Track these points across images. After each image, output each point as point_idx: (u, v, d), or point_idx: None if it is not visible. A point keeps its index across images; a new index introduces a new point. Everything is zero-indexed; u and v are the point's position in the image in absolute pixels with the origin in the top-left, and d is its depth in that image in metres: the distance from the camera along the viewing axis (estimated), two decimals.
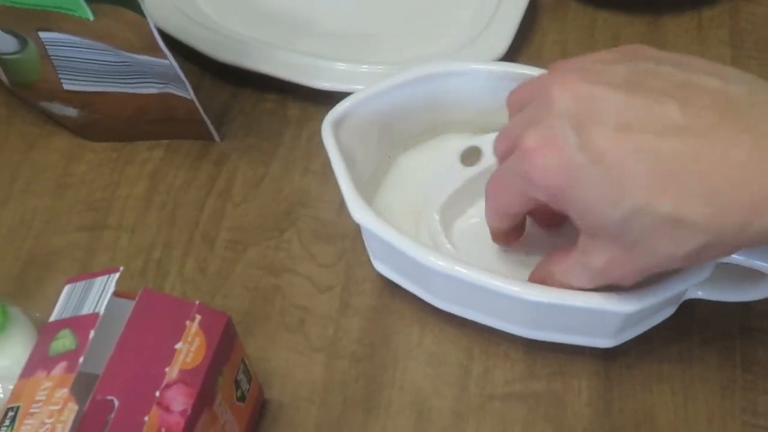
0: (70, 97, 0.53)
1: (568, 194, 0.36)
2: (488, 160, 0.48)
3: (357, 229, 0.52)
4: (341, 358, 0.48)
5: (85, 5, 0.46)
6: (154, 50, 0.48)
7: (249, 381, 0.43)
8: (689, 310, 0.47)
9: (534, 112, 0.38)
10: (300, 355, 0.48)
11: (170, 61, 0.49)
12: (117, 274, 0.39)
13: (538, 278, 0.43)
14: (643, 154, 0.34)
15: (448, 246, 0.48)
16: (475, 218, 0.50)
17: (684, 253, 0.35)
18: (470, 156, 0.50)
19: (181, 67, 0.50)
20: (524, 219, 0.46)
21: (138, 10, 0.46)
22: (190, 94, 0.52)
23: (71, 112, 0.55)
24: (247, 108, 0.58)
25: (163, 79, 0.51)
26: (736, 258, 0.42)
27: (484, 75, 0.50)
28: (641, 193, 0.34)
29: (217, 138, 0.56)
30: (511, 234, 0.46)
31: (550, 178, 0.36)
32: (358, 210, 0.45)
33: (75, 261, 0.52)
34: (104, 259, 0.52)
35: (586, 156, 0.35)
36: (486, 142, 0.49)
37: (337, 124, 0.48)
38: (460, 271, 0.43)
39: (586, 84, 0.36)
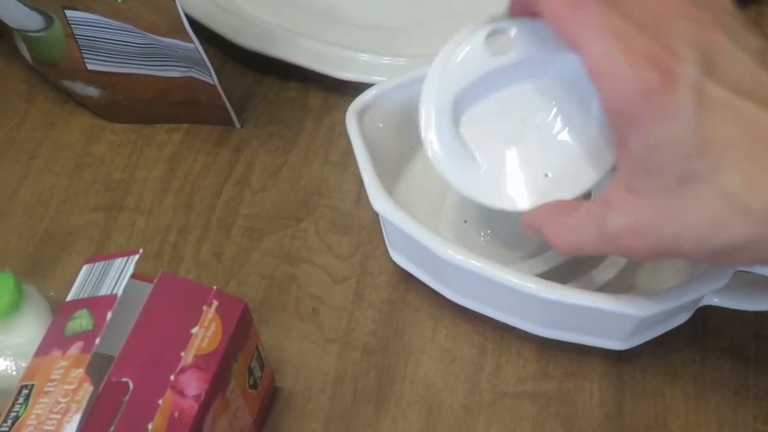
0: (93, 77, 0.54)
1: (651, 121, 0.33)
2: (520, 52, 0.40)
3: (374, 220, 0.52)
4: (354, 349, 0.48)
5: None
6: (180, 33, 0.48)
7: (262, 368, 0.43)
8: (704, 315, 0.47)
9: (651, 18, 0.34)
10: (313, 345, 0.48)
11: (195, 45, 0.49)
12: (136, 257, 0.39)
13: (532, 220, 0.40)
14: (741, 121, 0.32)
15: (460, 136, 0.42)
16: (488, 114, 0.42)
17: (718, 244, 0.33)
18: (495, 42, 0.42)
19: (205, 51, 0.50)
20: None
21: None
22: (213, 79, 0.52)
23: (93, 92, 0.55)
24: (270, 95, 0.58)
25: (187, 63, 0.51)
26: (756, 267, 0.41)
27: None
28: (717, 158, 0.32)
29: (237, 124, 0.56)
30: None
31: (647, 92, 0.33)
32: (378, 199, 0.45)
33: (91, 241, 0.52)
34: (120, 241, 0.52)
35: (696, 98, 0.32)
36: (518, 28, 0.40)
37: (362, 113, 0.48)
38: (477, 264, 0.43)
39: (721, 33, 0.34)
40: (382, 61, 0.56)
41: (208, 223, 0.53)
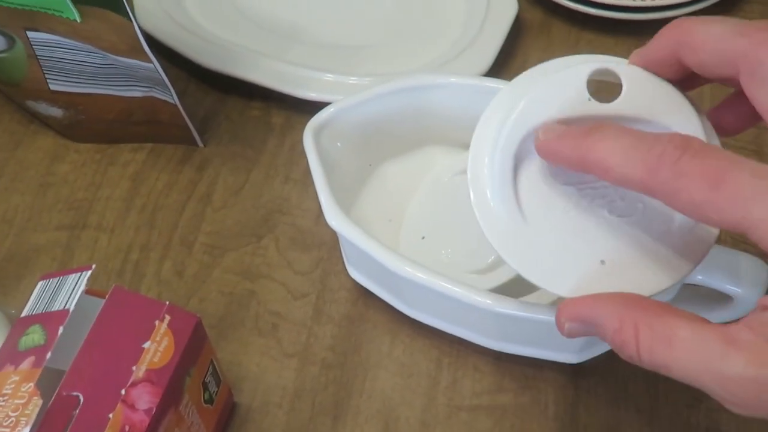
0: (56, 97, 0.54)
1: None
2: (625, 103, 0.35)
3: (334, 237, 0.52)
4: (312, 364, 0.48)
5: (72, 7, 0.47)
6: (140, 54, 0.49)
7: (218, 384, 0.43)
8: None
9: None
10: (272, 360, 0.48)
11: (155, 65, 0.49)
12: (89, 272, 0.39)
13: (581, 310, 0.34)
14: None
15: (512, 201, 0.36)
16: (555, 171, 0.36)
17: None
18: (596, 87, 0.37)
19: (168, 71, 0.51)
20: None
21: (124, 13, 0.46)
22: (174, 99, 0.52)
23: (56, 112, 0.55)
24: (233, 114, 0.59)
25: (148, 83, 0.52)
26: (702, 279, 0.42)
27: (465, 89, 0.50)
28: None
29: (200, 143, 0.57)
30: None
31: None
32: (334, 217, 0.45)
33: (54, 259, 0.53)
34: (83, 259, 0.52)
35: None
36: (630, 75, 0.35)
37: (319, 131, 0.49)
38: (431, 280, 0.43)
39: None
40: (344, 81, 0.57)
41: (170, 240, 0.53)
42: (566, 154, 0.33)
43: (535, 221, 0.36)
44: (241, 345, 0.49)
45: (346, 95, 0.54)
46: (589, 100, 0.35)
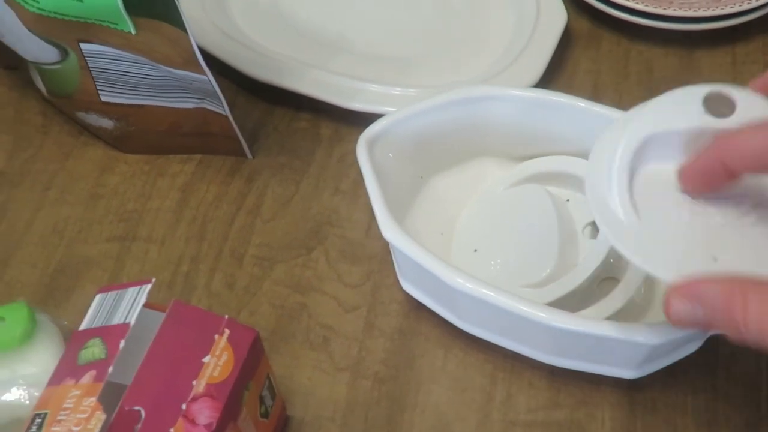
0: (107, 109, 0.54)
1: None
2: (739, 120, 0.37)
3: (385, 250, 0.52)
4: (364, 378, 0.48)
5: (127, 18, 0.47)
6: (194, 66, 0.49)
7: (273, 397, 0.43)
8: (716, 344, 0.46)
9: None
10: (323, 374, 0.48)
11: (208, 77, 0.49)
12: (149, 286, 0.39)
13: (690, 291, 0.34)
14: None
15: (627, 199, 0.38)
16: (670, 179, 0.38)
17: None
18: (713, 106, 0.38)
19: (217, 83, 0.51)
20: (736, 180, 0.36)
21: (180, 25, 0.46)
22: (225, 110, 0.52)
23: (107, 123, 0.55)
24: (281, 126, 0.59)
25: (200, 95, 0.52)
26: None
27: (520, 100, 0.50)
28: None
29: (249, 155, 0.57)
30: (714, 182, 0.37)
31: None
32: (388, 228, 0.45)
33: (105, 271, 0.53)
34: (133, 270, 0.52)
35: None
36: (742, 96, 0.37)
37: (372, 143, 0.49)
38: (487, 293, 0.43)
39: None
40: (392, 92, 0.57)
41: (220, 252, 0.53)
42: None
43: (650, 222, 0.37)
44: (292, 358, 0.49)
45: (394, 106, 0.54)
46: (705, 113, 0.37)
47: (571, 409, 0.46)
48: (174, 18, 0.46)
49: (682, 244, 0.36)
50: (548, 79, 0.59)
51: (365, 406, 0.47)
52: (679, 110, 0.37)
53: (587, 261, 0.47)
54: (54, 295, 0.52)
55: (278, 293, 0.51)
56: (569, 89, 0.59)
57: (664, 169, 0.38)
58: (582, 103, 0.49)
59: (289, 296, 0.51)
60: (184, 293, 0.51)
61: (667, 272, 0.36)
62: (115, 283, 0.51)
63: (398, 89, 0.57)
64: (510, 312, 0.43)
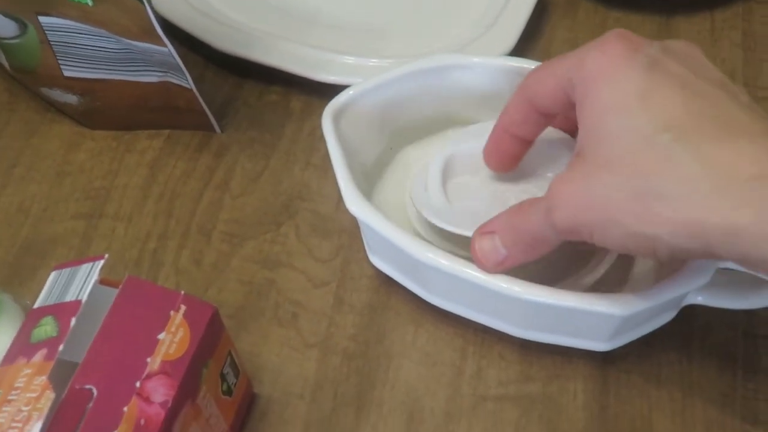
0: (71, 84, 0.53)
1: (607, 79, 0.35)
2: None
3: (355, 224, 0.51)
4: (334, 354, 0.47)
5: None
6: (153, 37, 0.48)
7: (236, 375, 0.42)
8: (690, 314, 0.46)
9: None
10: (292, 351, 0.47)
11: (169, 49, 0.48)
12: (102, 262, 0.38)
13: (486, 227, 0.41)
14: (690, 91, 0.34)
15: (440, 194, 0.46)
16: (479, 180, 0.47)
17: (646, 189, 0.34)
18: None
19: (185, 57, 0.50)
20: (528, 145, 0.44)
21: None
22: (190, 84, 0.51)
23: (72, 99, 0.54)
24: (251, 100, 0.58)
25: (163, 68, 0.51)
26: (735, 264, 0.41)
27: (488, 69, 0.49)
28: (656, 113, 0.34)
29: (218, 129, 0.56)
30: (510, 151, 0.44)
31: (610, 56, 0.36)
32: (354, 202, 0.44)
33: (71, 249, 0.52)
34: (100, 248, 0.52)
35: (650, 62, 0.35)
36: None
37: (338, 115, 0.48)
38: (454, 266, 0.42)
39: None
40: (364, 63, 0.56)
41: (188, 229, 0.52)
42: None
43: (457, 204, 0.46)
44: (260, 335, 0.48)
45: (366, 78, 0.53)
46: None
47: (543, 383, 0.46)
48: None
49: (482, 216, 0.42)
50: (524, 48, 0.58)
51: (335, 382, 0.46)
52: (477, 135, 0.46)
53: None
54: (19, 274, 0.51)
55: (247, 269, 0.50)
56: (545, 58, 0.58)
57: (470, 179, 0.47)
58: None
59: (257, 272, 0.50)
60: (152, 271, 0.50)
61: (470, 231, 0.42)
62: None
63: (370, 60, 0.56)
64: (480, 285, 0.42)
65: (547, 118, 0.42)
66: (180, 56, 0.50)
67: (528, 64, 0.48)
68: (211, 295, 0.49)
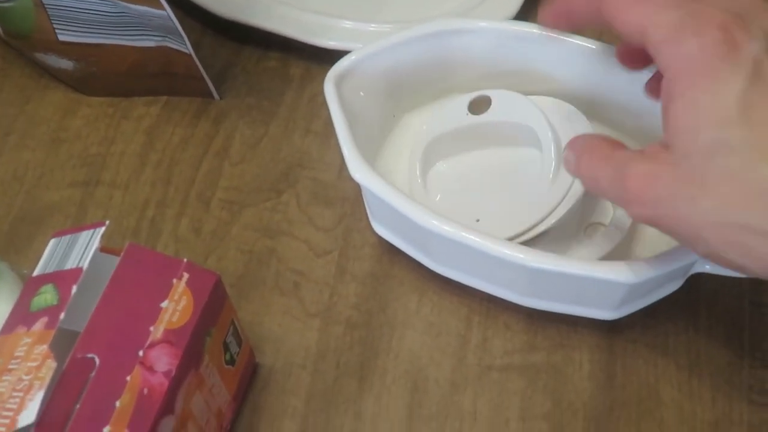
0: (66, 49, 0.52)
1: (703, 77, 0.33)
2: (495, 113, 0.47)
3: (357, 192, 0.50)
4: (336, 324, 0.46)
5: None
6: (151, 1, 0.47)
7: (239, 344, 0.42)
8: (697, 283, 0.45)
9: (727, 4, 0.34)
10: (294, 320, 0.47)
11: (167, 11, 0.47)
12: (103, 228, 0.38)
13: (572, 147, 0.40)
14: None
15: (419, 180, 0.48)
16: (458, 166, 0.49)
17: (725, 219, 0.32)
18: (478, 105, 0.48)
19: (183, 22, 0.49)
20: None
21: None
22: (189, 49, 0.50)
23: (67, 64, 0.53)
24: (249, 66, 0.57)
25: (161, 32, 0.50)
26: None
27: (493, 34, 0.48)
28: (756, 133, 0.32)
29: (216, 96, 0.55)
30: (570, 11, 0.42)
31: (708, 50, 0.33)
32: (357, 169, 0.43)
33: (67, 217, 0.51)
34: (97, 216, 0.51)
35: (753, 69, 0.32)
36: (498, 96, 0.48)
37: (340, 80, 0.47)
38: (459, 233, 0.41)
39: None
40: (364, 28, 0.55)
41: (186, 197, 0.51)
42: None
43: (434, 193, 0.48)
44: (262, 305, 0.47)
45: (366, 43, 0.52)
46: (467, 114, 0.48)
47: (548, 352, 0.45)
48: None
49: (455, 209, 0.46)
50: (528, 11, 0.57)
51: (337, 352, 0.46)
52: (450, 115, 0.48)
53: (561, 205, 0.45)
54: (15, 243, 0.50)
55: (247, 238, 0.50)
56: None
57: (453, 160, 0.49)
58: (556, 35, 0.47)
59: (258, 241, 0.49)
60: (150, 239, 0.50)
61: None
62: None
63: (371, 25, 0.55)
64: (486, 253, 0.41)
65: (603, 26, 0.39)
66: (176, 19, 0.49)
67: (530, 28, 0.47)
68: (211, 264, 0.49)
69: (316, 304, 0.47)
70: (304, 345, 0.46)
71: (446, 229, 0.41)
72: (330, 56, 0.53)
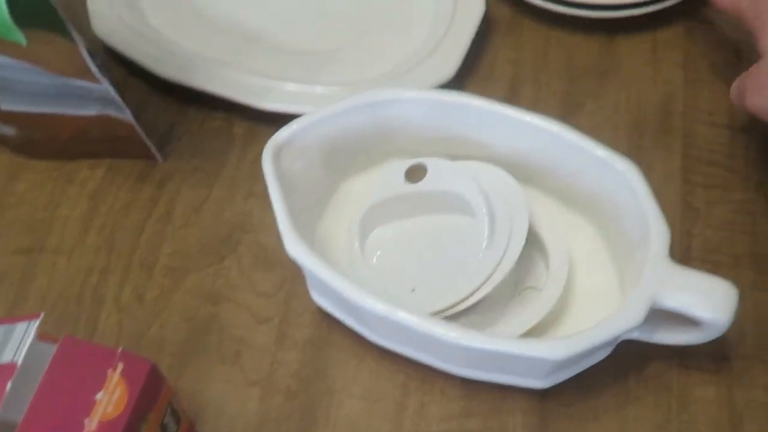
0: (9, 117, 0.52)
1: None
2: (430, 182, 0.49)
3: None
4: (276, 392, 0.47)
5: (17, 30, 0.45)
6: (89, 76, 0.47)
7: (178, 422, 0.43)
8: (626, 348, 0.46)
9: None
10: (235, 389, 0.47)
11: (106, 87, 0.48)
12: (37, 321, 0.38)
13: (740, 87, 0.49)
14: None
15: (357, 246, 0.49)
16: (395, 234, 0.50)
17: None
18: (415, 173, 0.50)
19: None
20: None
21: (68, 36, 0.45)
22: (130, 117, 0.51)
23: (10, 131, 0.54)
24: (194, 126, 0.57)
25: (102, 102, 0.50)
26: (672, 305, 0.42)
27: (424, 103, 0.49)
28: None
29: (159, 158, 0.55)
30: None
31: None
32: (294, 246, 0.44)
33: (11, 285, 0.51)
34: (41, 284, 0.51)
35: None
36: (433, 164, 0.49)
37: (278, 152, 0.47)
38: (395, 313, 0.42)
39: None
40: (306, 91, 0.55)
41: (130, 263, 0.52)
42: None
43: (372, 261, 0.49)
44: (203, 372, 0.48)
45: (308, 105, 0.53)
46: (404, 182, 0.49)
47: (484, 417, 0.46)
48: (62, 30, 0.44)
49: (391, 278, 0.48)
50: (468, 67, 0.58)
51: (277, 421, 0.47)
52: (387, 184, 0.49)
53: (495, 273, 0.46)
54: None
55: (190, 304, 0.50)
56: (489, 79, 0.59)
57: (391, 227, 0.50)
58: (487, 105, 0.48)
59: (200, 307, 0.50)
60: (93, 307, 0.50)
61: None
62: (22, 298, 0.51)
63: (312, 87, 0.55)
64: (419, 331, 0.42)
65: None
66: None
67: (460, 98, 0.48)
68: (154, 333, 0.49)
69: (256, 372, 0.48)
70: (245, 414, 0.47)
71: (379, 307, 0.42)
72: (274, 116, 0.54)
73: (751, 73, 0.48)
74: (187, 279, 0.51)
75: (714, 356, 0.48)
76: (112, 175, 0.55)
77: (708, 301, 0.42)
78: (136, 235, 0.53)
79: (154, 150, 0.54)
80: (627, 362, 0.47)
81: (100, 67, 0.48)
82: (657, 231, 0.44)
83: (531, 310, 0.46)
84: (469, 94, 0.49)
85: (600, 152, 0.46)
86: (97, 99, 0.50)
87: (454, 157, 0.50)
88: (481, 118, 0.48)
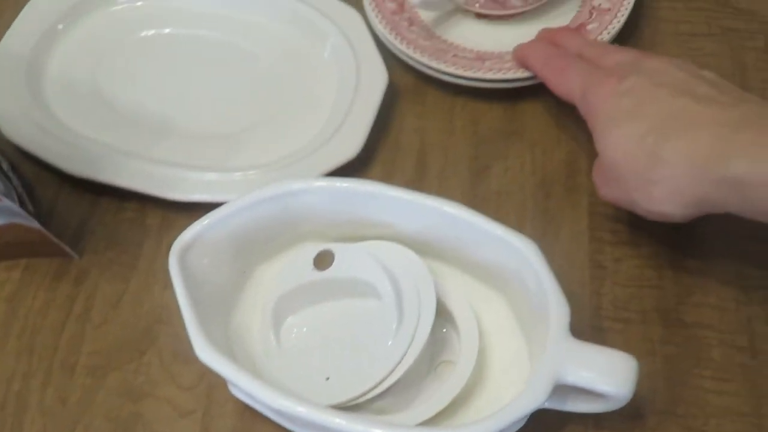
0: None
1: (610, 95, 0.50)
2: (337, 269, 0.50)
3: None
4: None
5: None
6: None
7: None
8: (541, 414, 0.47)
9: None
10: None
11: (9, 206, 0.48)
12: None
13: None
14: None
15: (272, 337, 0.50)
16: (307, 321, 0.51)
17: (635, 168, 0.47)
18: (322, 260, 0.51)
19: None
20: None
21: None
22: (37, 226, 0.51)
23: None
24: (107, 218, 0.58)
25: (8, 213, 0.51)
26: (574, 381, 0.43)
27: (328, 191, 0.50)
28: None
29: (74, 255, 0.56)
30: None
31: (609, 86, 0.50)
32: (203, 351, 0.45)
33: None
34: None
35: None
36: (340, 250, 0.50)
37: (185, 252, 0.48)
38: (313, 414, 0.43)
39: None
40: (215, 179, 0.56)
41: (50, 365, 0.52)
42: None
43: (286, 349, 0.50)
44: None
45: (218, 193, 0.54)
46: (312, 270, 0.50)
47: None
48: None
49: (305, 367, 0.49)
50: (376, 139, 0.59)
51: None
52: (296, 272, 0.50)
53: (407, 354, 0.47)
54: None
55: (112, 404, 0.51)
56: (397, 149, 0.60)
57: (304, 313, 0.51)
58: (389, 191, 0.49)
59: (123, 406, 0.51)
60: (17, 414, 0.50)
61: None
62: None
63: (221, 175, 0.56)
64: (325, 425, 0.43)
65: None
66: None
67: (365, 186, 0.50)
68: None
69: None
70: None
71: (297, 409, 0.43)
72: (187, 203, 0.55)
73: (595, 168, 0.52)
74: (109, 377, 0.52)
75: (628, 416, 0.49)
76: (30, 275, 0.56)
77: (609, 377, 0.43)
78: (56, 336, 0.53)
79: (68, 249, 0.55)
80: (543, 427, 0.48)
81: (7, 172, 0.49)
82: (557, 309, 0.45)
83: (446, 386, 0.48)
84: (371, 181, 0.50)
85: (499, 231, 0.48)
86: (3, 211, 0.50)
87: (362, 238, 0.52)
88: (385, 203, 0.50)
